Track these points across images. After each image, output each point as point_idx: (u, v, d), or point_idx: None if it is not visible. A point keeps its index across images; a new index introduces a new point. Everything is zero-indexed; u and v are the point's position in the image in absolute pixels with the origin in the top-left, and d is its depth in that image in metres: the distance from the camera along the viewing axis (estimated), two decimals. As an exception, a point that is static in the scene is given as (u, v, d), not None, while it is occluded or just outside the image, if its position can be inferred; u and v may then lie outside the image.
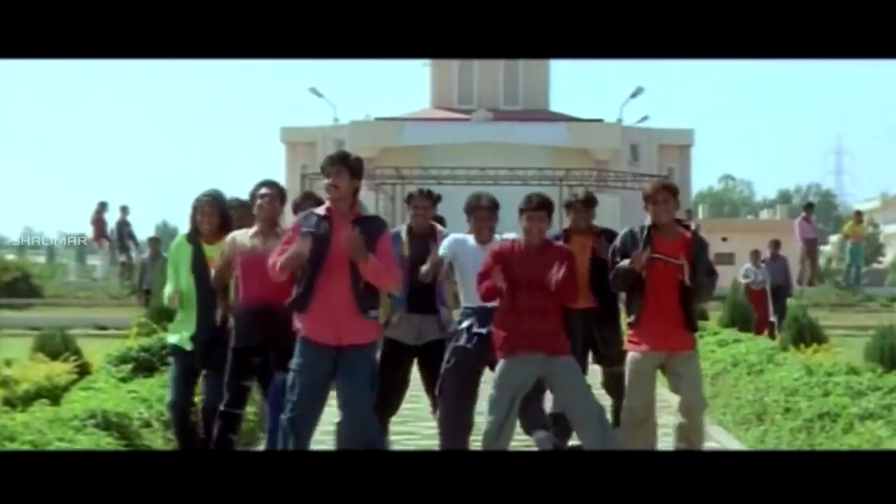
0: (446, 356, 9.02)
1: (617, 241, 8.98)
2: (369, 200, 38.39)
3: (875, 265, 55.07)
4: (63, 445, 7.41)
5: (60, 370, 11.89)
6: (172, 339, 9.21)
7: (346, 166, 7.96)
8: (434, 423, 9.44)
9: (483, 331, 8.81)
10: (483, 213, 9.26)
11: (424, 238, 9.46)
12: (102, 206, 33.40)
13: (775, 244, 24.51)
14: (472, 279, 8.79)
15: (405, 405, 9.82)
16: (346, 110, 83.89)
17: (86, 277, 37.51)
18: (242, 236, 8.66)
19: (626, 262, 8.64)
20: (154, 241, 25.79)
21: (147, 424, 8.87)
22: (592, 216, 10.03)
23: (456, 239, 9.34)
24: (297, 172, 42.43)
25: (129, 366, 12.02)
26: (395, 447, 9.92)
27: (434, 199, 9.95)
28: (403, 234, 9.69)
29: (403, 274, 8.90)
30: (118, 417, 8.05)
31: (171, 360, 9.43)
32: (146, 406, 9.18)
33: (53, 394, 11.27)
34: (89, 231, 34.10)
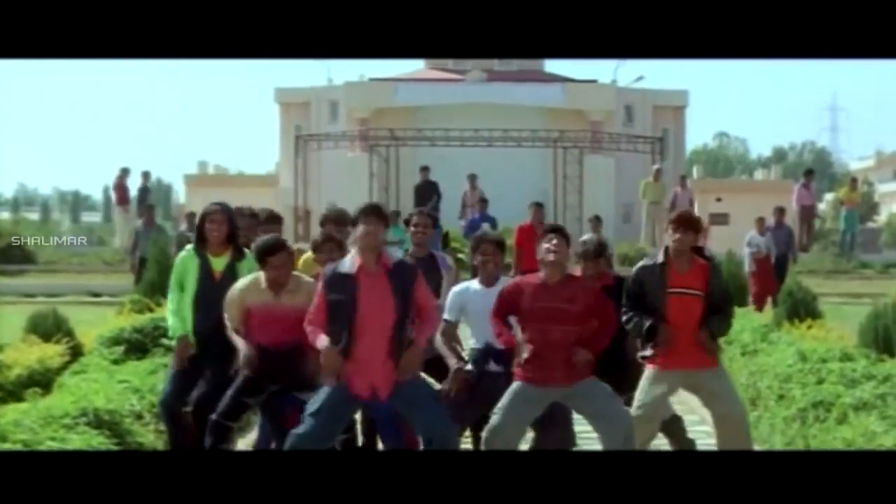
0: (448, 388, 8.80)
1: (630, 280, 8.83)
2: (363, 163, 38.35)
3: (870, 224, 55.08)
4: (55, 445, 7.40)
5: (53, 353, 11.89)
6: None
7: (380, 217, 7.90)
8: None
9: (498, 368, 8.66)
10: (489, 248, 9.06)
11: (424, 263, 9.36)
12: (125, 172, 33.42)
13: (780, 212, 24.00)
14: (479, 322, 8.67)
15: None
16: (340, 71, 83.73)
17: (81, 234, 37.43)
18: (250, 291, 8.55)
19: (645, 324, 8.57)
20: (148, 209, 25.25)
21: (139, 416, 8.85)
22: (602, 264, 9.67)
23: (457, 292, 9.13)
24: (291, 133, 42.28)
25: (122, 347, 12.03)
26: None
27: (435, 219, 9.92)
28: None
29: None
30: (109, 415, 8.03)
31: (171, 356, 9.38)
32: (138, 397, 9.17)
33: (46, 377, 11.28)
34: (112, 196, 33.96)
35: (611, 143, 39.99)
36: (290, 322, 8.35)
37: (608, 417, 8.19)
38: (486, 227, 22.10)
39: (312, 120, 42.49)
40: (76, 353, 12.30)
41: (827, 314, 16.07)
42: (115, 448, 7.72)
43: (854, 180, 35.95)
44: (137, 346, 12.11)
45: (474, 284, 9.14)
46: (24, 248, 30.49)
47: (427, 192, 30.58)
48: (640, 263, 8.91)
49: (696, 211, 35.36)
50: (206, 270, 9.00)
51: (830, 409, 9.73)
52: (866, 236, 40.31)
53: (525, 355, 8.11)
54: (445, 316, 8.84)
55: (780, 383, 10.76)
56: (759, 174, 58.99)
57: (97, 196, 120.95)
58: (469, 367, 8.74)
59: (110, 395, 9.02)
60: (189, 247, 9.20)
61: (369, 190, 36.67)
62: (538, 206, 19.97)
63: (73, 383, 10.42)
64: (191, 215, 24.54)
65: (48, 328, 12.49)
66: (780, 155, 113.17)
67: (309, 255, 9.78)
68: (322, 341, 7.75)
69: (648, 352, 8.68)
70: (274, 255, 8.47)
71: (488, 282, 8.96)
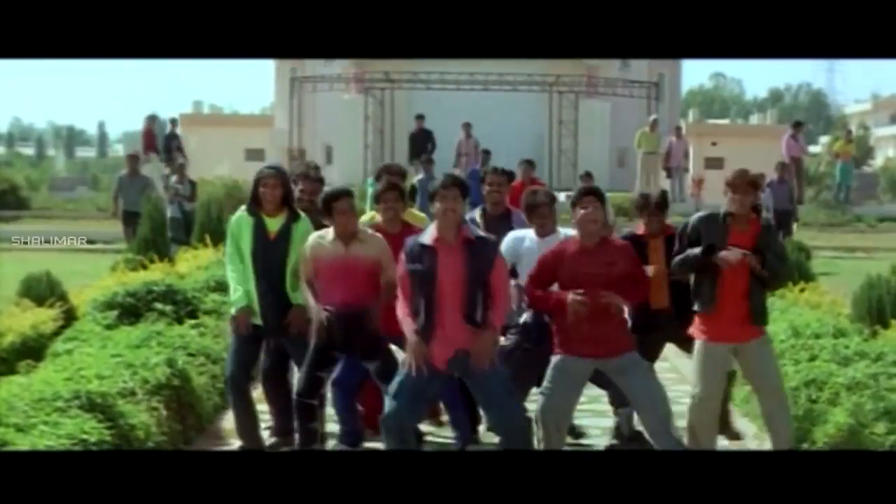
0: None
1: (689, 224, 8.73)
2: (358, 105, 38.25)
3: (865, 168, 55.10)
4: (47, 429, 7.39)
5: (46, 317, 11.89)
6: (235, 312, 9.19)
7: (460, 189, 7.86)
8: None
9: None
10: (544, 210, 9.15)
11: (499, 221, 9.36)
12: (152, 119, 33.31)
13: (782, 167, 23.89)
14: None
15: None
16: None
17: (75, 170, 37.45)
18: (319, 246, 8.61)
19: (697, 251, 8.43)
20: (133, 159, 24.42)
21: (132, 393, 8.82)
22: (665, 217, 9.65)
23: (515, 237, 9.24)
24: (286, 74, 42.17)
25: (115, 312, 11.98)
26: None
27: (509, 175, 10.08)
28: (478, 217, 9.67)
29: None
30: (102, 397, 7.99)
31: (230, 330, 9.43)
32: (130, 373, 9.11)
33: (39, 343, 11.28)
34: (139, 143, 33.73)
35: (607, 87, 39.94)
36: (360, 276, 8.50)
37: (646, 397, 8.21)
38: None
39: (308, 61, 42.34)
40: (69, 317, 12.30)
41: (821, 267, 16.09)
42: (107, 432, 7.67)
43: (849, 132, 35.91)
44: (131, 310, 12.06)
45: (531, 234, 9.22)
46: (19, 195, 30.45)
47: (422, 141, 30.51)
48: (700, 214, 8.82)
49: (691, 157, 35.34)
50: (260, 230, 8.98)
51: (823, 388, 9.73)
52: (862, 181, 40.34)
53: (578, 307, 8.04)
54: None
55: (771, 358, 10.74)
56: (754, 118, 58.93)
57: (91, 131, 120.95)
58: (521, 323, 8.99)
59: (102, 371, 8.99)
60: (243, 208, 9.19)
61: (364, 132, 36.70)
62: (529, 164, 19.79)
63: (66, 355, 10.41)
64: (180, 167, 24.33)
65: (42, 291, 12.48)
66: (776, 96, 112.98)
67: (369, 214, 9.77)
68: (409, 332, 7.79)
69: (696, 306, 8.62)
70: (339, 199, 8.53)
71: (544, 233, 9.07)
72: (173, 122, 33.62)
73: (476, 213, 9.98)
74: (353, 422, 9.48)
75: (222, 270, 14.90)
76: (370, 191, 20.37)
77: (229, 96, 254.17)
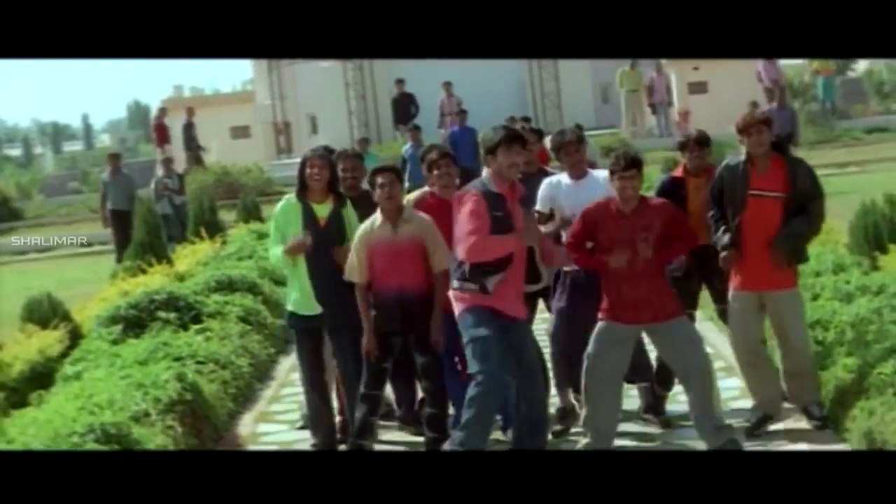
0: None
1: (715, 178, 8.79)
2: (337, 73, 38.00)
3: (849, 73, 54.87)
4: (66, 467, 7.45)
5: (52, 340, 11.93)
6: (291, 306, 9.16)
7: (523, 144, 8.11)
8: None
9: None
10: (571, 148, 9.14)
11: (536, 179, 9.24)
12: (163, 112, 33.22)
13: (782, 91, 23.67)
14: (569, 215, 8.82)
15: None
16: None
17: (62, 168, 37.45)
18: (370, 231, 8.62)
19: (725, 240, 8.60)
20: (114, 158, 23.70)
21: (146, 414, 8.87)
22: (707, 154, 9.54)
23: (550, 183, 9.22)
24: (261, 50, 41.86)
25: (119, 326, 12.03)
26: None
27: (539, 133, 10.15)
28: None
29: None
30: (116, 427, 8.03)
31: (293, 333, 9.42)
32: (142, 393, 9.16)
33: (48, 368, 11.33)
34: (152, 138, 33.49)
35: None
36: (411, 259, 8.52)
37: (688, 368, 8.28)
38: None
39: (281, 33, 42.12)
40: (75, 335, 12.34)
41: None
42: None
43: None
44: (135, 322, 12.09)
45: (565, 178, 9.22)
46: (11, 206, 30.39)
47: (405, 105, 30.45)
48: (725, 162, 8.81)
49: (674, 88, 35.22)
50: (310, 217, 8.94)
51: (828, 327, 9.77)
52: (847, 88, 40.19)
53: (617, 262, 8.21)
54: (537, 207, 8.97)
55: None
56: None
57: (76, 124, 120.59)
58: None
59: (114, 395, 9.04)
60: (289, 196, 9.15)
61: (346, 99, 36.52)
62: (523, 122, 19.53)
63: (75, 379, 10.48)
64: (167, 161, 24.01)
65: (44, 314, 12.51)
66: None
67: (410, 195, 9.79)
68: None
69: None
70: (384, 172, 8.61)
71: (577, 174, 9.07)
72: (189, 111, 33.38)
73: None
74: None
75: (222, 268, 15.02)
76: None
77: (208, 75, 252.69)
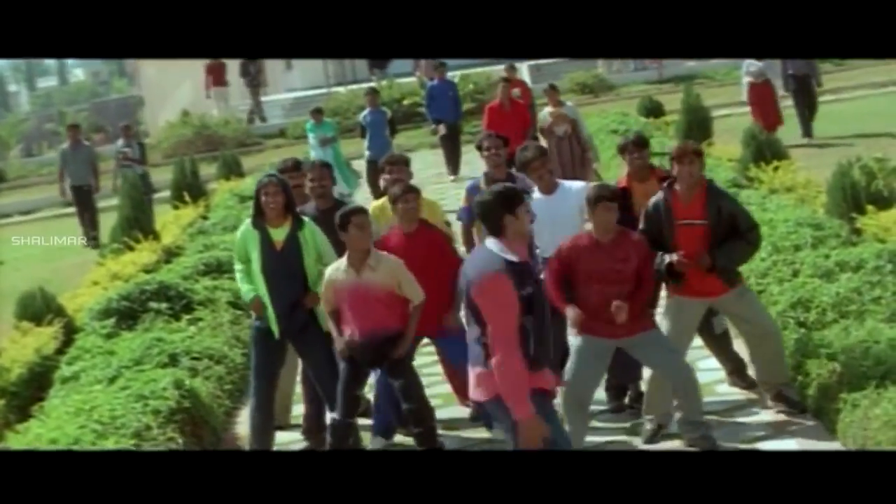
0: None
1: (643, 220, 8.90)
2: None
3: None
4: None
5: (47, 338, 12.07)
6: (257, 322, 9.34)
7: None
8: None
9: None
10: (535, 164, 9.29)
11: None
12: None
13: None
14: (543, 231, 8.99)
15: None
16: None
17: (37, 104, 37.26)
18: (336, 272, 8.66)
19: (665, 259, 8.72)
20: (73, 129, 22.63)
21: (147, 428, 9.05)
22: (648, 155, 9.62)
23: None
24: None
25: (112, 319, 12.19)
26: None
27: (505, 141, 10.06)
28: (482, 184, 9.67)
29: None
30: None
31: (252, 344, 9.55)
32: (142, 405, 9.33)
33: (45, 367, 11.50)
34: (204, 80, 32.47)
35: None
36: (376, 304, 8.55)
37: (667, 368, 8.49)
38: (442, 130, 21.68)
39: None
40: (69, 329, 12.49)
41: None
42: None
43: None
44: (127, 314, 12.28)
45: (535, 193, 9.33)
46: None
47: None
48: (653, 200, 8.86)
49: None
50: (267, 243, 9.08)
51: (809, 307, 9.96)
52: None
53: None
54: None
55: (756, 279, 10.97)
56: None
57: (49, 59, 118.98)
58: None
59: (115, 408, 9.22)
60: (248, 221, 9.28)
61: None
62: (505, 82, 19.27)
63: (73, 381, 10.67)
64: (126, 128, 23.07)
65: (37, 309, 12.65)
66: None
67: (379, 202, 9.86)
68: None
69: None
70: (356, 214, 8.57)
71: (547, 189, 9.22)
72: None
73: (480, 180, 9.95)
74: (388, 414, 9.49)
75: (208, 244, 15.17)
76: (311, 135, 20.17)
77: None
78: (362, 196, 18.93)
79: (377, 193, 18.67)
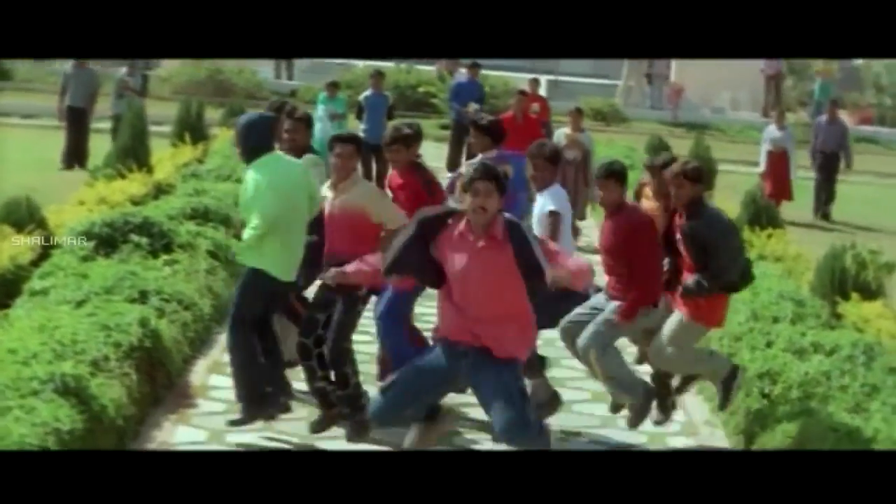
0: None
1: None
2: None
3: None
4: (22, 414, 7.63)
5: (24, 248, 12.03)
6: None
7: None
8: None
9: None
10: (539, 163, 9.43)
11: None
12: None
13: (833, 104, 22.37)
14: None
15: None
16: None
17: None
18: (324, 190, 9.07)
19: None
20: None
21: (105, 358, 9.05)
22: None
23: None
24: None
25: (92, 243, 12.15)
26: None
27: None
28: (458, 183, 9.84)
29: None
30: (76, 381, 8.20)
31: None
32: (105, 335, 9.33)
33: (17, 276, 11.48)
34: None
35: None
36: (343, 226, 8.85)
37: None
38: (474, 106, 21.53)
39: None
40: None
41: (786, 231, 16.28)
42: (80, 417, 7.91)
43: (833, 53, 35.61)
44: (107, 241, 12.22)
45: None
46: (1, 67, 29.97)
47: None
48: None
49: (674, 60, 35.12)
50: None
51: (777, 380, 9.99)
52: (845, 73, 40.06)
53: None
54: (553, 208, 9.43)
55: (730, 342, 11.02)
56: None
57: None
58: None
59: (78, 333, 9.21)
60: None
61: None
62: (522, 95, 19.30)
63: (42, 296, 10.65)
64: None
65: (21, 217, 12.60)
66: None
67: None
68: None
69: None
70: (343, 142, 8.96)
71: (538, 188, 9.47)
72: None
73: (463, 168, 10.17)
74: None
75: (200, 190, 15.14)
76: (321, 106, 19.90)
77: None
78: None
79: (367, 175, 18.67)
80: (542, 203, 9.50)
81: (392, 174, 9.80)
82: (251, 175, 8.76)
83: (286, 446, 8.85)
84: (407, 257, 7.20)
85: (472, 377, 7.34)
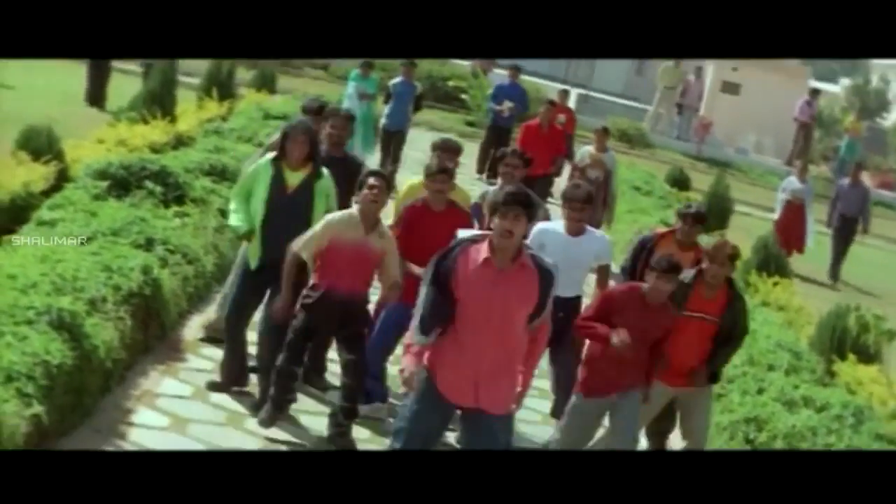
0: None
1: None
2: None
3: (879, 120, 54.74)
4: (13, 341, 7.63)
5: (38, 176, 12.03)
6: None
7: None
8: None
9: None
10: (577, 205, 9.15)
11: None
12: None
13: (858, 168, 22.07)
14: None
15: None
16: None
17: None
18: (342, 225, 8.54)
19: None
20: None
21: (103, 300, 9.02)
22: (699, 233, 9.81)
23: (542, 229, 9.22)
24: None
25: (106, 183, 12.12)
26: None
27: (526, 162, 10.00)
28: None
29: None
30: (72, 317, 8.19)
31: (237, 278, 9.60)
32: (106, 277, 9.31)
33: (28, 203, 11.47)
34: None
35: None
36: (368, 268, 8.63)
37: (620, 438, 8.55)
38: (508, 104, 21.48)
39: None
40: (62, 176, 12.46)
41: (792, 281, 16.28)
42: (70, 353, 7.91)
43: (862, 110, 35.74)
44: (121, 183, 12.20)
45: (559, 228, 9.29)
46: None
47: None
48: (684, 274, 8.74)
49: (707, 86, 35.06)
50: (279, 183, 9.04)
51: (762, 428, 10.00)
52: (874, 134, 40.15)
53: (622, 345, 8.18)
54: None
55: (722, 383, 10.97)
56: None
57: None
58: None
59: (80, 269, 9.19)
60: (267, 157, 9.23)
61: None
62: (550, 105, 19.23)
63: (49, 226, 10.61)
64: None
65: (40, 146, 12.61)
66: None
67: (415, 180, 9.90)
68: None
69: None
70: (377, 176, 8.60)
71: (575, 231, 9.09)
72: None
73: (490, 191, 9.63)
74: (381, 383, 9.55)
75: (221, 148, 15.12)
76: (352, 84, 19.71)
77: None
78: (370, 163, 18.78)
79: (384, 162, 18.64)
80: (586, 248, 9.39)
81: (419, 209, 9.33)
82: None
83: (283, 447, 8.70)
84: (437, 312, 6.94)
85: (465, 425, 7.19)
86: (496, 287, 6.80)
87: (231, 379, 9.39)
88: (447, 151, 9.85)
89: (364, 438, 8.99)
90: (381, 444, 8.87)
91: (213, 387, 9.35)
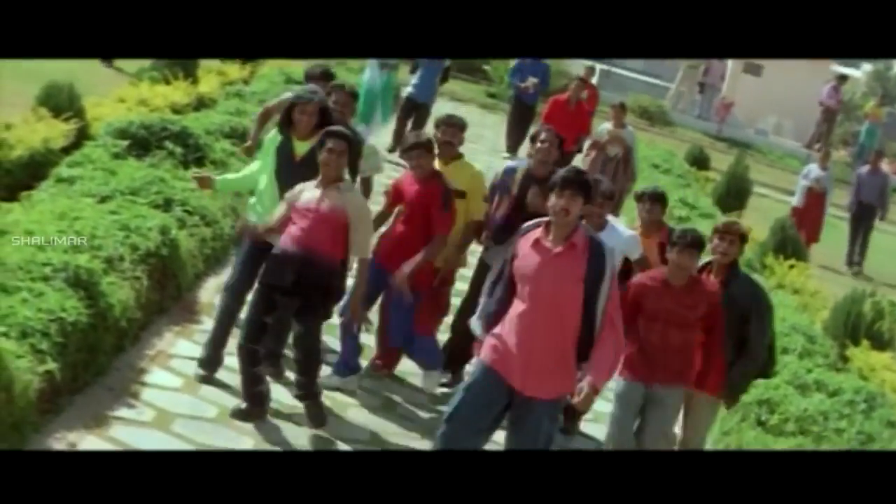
0: None
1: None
2: None
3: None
4: (30, 297, 7.65)
5: (58, 132, 12.04)
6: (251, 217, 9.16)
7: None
8: None
9: None
10: (598, 201, 8.95)
11: (543, 182, 8.70)
12: None
13: (877, 155, 21.85)
14: None
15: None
16: None
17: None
18: (304, 187, 8.39)
19: None
20: None
21: (120, 259, 9.03)
22: (661, 213, 9.73)
23: None
24: None
25: (126, 142, 12.11)
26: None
27: (561, 141, 9.85)
28: (519, 175, 9.55)
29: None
30: (88, 275, 8.20)
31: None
32: (124, 236, 9.30)
33: (47, 159, 11.48)
34: None
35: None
36: (323, 225, 8.23)
37: (652, 439, 8.36)
38: (532, 80, 21.23)
39: None
40: (82, 134, 12.46)
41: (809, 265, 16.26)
42: (85, 311, 7.92)
43: (883, 96, 35.52)
44: (142, 143, 12.19)
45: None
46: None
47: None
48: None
49: (729, 66, 34.89)
50: (287, 151, 8.93)
51: (774, 411, 9.99)
52: (893, 120, 39.93)
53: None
54: None
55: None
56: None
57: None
58: None
59: (98, 227, 9.20)
60: (275, 129, 9.18)
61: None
62: (581, 82, 19.06)
63: (67, 184, 10.61)
64: None
65: (60, 103, 12.62)
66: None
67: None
68: None
69: None
70: (335, 138, 8.32)
71: (596, 227, 8.80)
72: None
73: (518, 170, 9.65)
74: (352, 354, 9.46)
75: (242, 110, 15.10)
76: (367, 72, 19.07)
77: None
78: (386, 131, 18.71)
79: (400, 130, 18.34)
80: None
81: (406, 178, 9.44)
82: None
83: (279, 448, 8.32)
84: (502, 309, 7.01)
85: (512, 410, 7.08)
86: (546, 267, 6.80)
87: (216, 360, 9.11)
88: (452, 127, 9.81)
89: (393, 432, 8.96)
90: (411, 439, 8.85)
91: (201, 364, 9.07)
